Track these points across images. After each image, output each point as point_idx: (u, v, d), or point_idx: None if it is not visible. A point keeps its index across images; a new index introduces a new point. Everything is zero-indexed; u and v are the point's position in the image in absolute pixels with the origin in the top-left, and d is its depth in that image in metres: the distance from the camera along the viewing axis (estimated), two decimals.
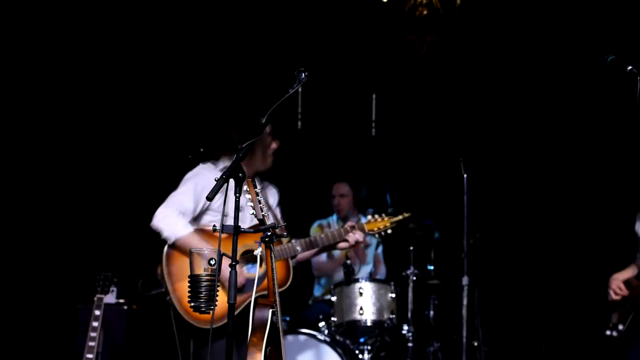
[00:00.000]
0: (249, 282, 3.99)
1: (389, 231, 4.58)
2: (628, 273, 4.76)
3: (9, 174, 6.67)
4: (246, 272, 4.07)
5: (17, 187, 6.70)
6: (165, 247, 4.28)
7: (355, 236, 4.38)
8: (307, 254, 4.42)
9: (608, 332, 4.64)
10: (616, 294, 4.63)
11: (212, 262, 3.12)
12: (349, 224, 4.49)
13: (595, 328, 4.82)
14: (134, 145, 6.86)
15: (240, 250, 3.93)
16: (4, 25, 6.68)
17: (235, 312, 3.39)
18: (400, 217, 4.65)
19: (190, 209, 4.25)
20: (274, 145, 4.29)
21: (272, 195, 4.54)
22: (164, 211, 4.28)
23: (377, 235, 4.61)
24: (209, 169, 4.34)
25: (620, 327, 4.60)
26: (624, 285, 4.64)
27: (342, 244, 4.42)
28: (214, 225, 3.12)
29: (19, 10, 6.76)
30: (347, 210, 6.44)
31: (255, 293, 3.30)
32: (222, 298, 3.20)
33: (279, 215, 4.47)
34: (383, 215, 4.61)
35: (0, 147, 6.66)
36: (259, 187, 3.16)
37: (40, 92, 6.80)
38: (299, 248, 4.23)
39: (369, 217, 4.60)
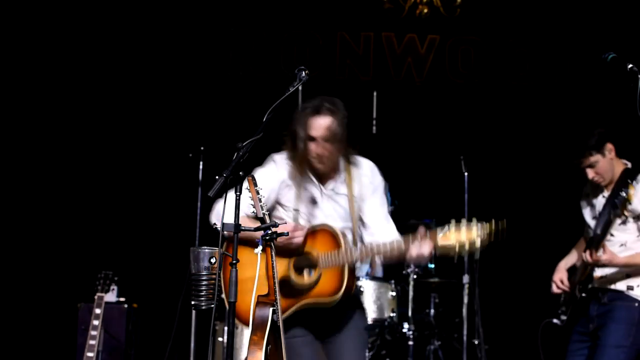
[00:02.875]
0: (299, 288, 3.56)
1: (477, 253, 3.52)
2: (573, 258, 4.68)
3: (10, 173, 6.67)
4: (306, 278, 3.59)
5: (18, 186, 6.71)
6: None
7: (422, 250, 3.46)
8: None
9: (555, 320, 4.60)
10: (558, 287, 4.57)
11: (213, 260, 3.12)
12: (421, 232, 3.49)
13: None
14: (133, 143, 6.86)
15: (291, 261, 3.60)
16: (4, 25, 6.68)
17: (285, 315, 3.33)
18: (489, 228, 3.44)
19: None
20: (311, 154, 3.64)
21: (359, 183, 3.79)
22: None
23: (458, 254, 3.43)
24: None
25: (563, 317, 4.56)
26: (567, 275, 4.56)
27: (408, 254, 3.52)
28: (214, 223, 3.11)
29: (19, 10, 6.75)
30: None
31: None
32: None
33: (370, 210, 3.77)
34: (464, 225, 3.44)
35: (0, 147, 6.66)
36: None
37: (41, 92, 6.80)
38: (357, 256, 3.55)
39: (446, 227, 3.48)
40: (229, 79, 7.16)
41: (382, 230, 3.72)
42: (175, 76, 7.00)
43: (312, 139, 3.58)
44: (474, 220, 3.39)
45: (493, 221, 3.42)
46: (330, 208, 3.71)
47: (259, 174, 3.66)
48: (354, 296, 3.71)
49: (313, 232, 3.58)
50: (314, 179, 3.69)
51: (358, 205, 3.74)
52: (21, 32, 6.77)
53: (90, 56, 6.89)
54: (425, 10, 7.41)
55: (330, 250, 3.51)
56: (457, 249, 3.41)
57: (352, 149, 3.75)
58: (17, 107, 6.75)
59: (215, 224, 3.53)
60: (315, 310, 3.53)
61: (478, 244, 3.39)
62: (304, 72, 3.35)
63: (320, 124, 3.57)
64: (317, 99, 3.64)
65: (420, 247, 3.44)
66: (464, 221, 3.40)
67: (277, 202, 3.69)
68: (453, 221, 3.41)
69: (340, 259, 3.50)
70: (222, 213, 3.26)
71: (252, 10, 7.19)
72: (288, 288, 3.44)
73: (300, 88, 3.37)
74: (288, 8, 7.21)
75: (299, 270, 3.51)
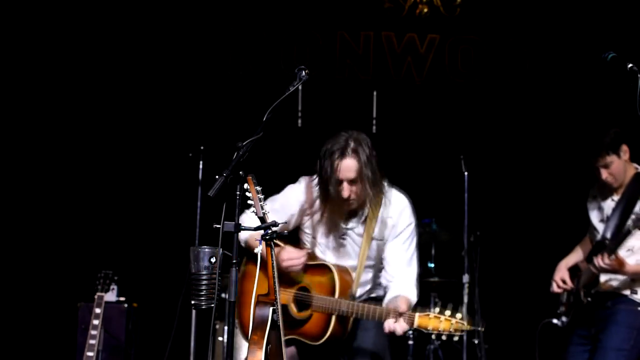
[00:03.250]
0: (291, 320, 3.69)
1: (456, 338, 3.51)
2: (575, 257, 4.67)
3: (10, 173, 6.67)
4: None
5: (18, 186, 6.70)
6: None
7: (394, 326, 3.55)
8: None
9: (555, 321, 4.58)
10: (559, 286, 4.55)
11: (213, 259, 3.12)
12: (401, 308, 3.60)
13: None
14: (133, 143, 6.86)
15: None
16: (3, 25, 6.67)
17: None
18: (467, 327, 3.51)
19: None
20: (341, 196, 3.69)
21: (382, 224, 3.85)
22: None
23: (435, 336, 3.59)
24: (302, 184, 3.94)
25: (564, 318, 4.54)
26: (569, 275, 4.55)
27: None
28: (214, 223, 3.11)
29: (19, 10, 6.75)
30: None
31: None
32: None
33: (390, 254, 3.84)
34: (447, 312, 3.51)
35: (0, 147, 6.66)
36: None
37: (41, 93, 6.80)
38: (344, 309, 3.64)
39: (428, 310, 3.57)
40: (229, 79, 7.15)
41: (399, 276, 3.78)
42: (175, 76, 7.00)
43: (341, 182, 3.65)
44: (460, 310, 3.50)
45: (471, 322, 3.52)
46: (346, 244, 3.80)
47: (288, 191, 3.87)
48: (346, 342, 3.77)
49: (317, 266, 3.70)
50: (336, 218, 3.79)
51: (378, 245, 3.79)
52: (21, 32, 6.77)
53: (90, 56, 6.88)
54: (425, 10, 7.40)
55: (325, 294, 3.64)
56: (432, 333, 3.51)
57: (383, 185, 3.82)
58: (17, 108, 6.74)
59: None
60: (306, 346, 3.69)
61: (456, 337, 3.49)
62: (304, 72, 3.35)
63: (348, 167, 3.63)
64: (343, 138, 3.69)
65: (396, 325, 3.53)
66: (446, 312, 3.49)
67: (298, 226, 3.86)
68: (438, 304, 3.67)
69: (329, 307, 3.62)
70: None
71: (252, 10, 7.18)
72: (284, 317, 3.44)
73: (300, 87, 3.37)
74: (288, 8, 7.20)
75: (298, 304, 3.67)
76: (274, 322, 3.05)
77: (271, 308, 3.05)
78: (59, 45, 6.82)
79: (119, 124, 6.87)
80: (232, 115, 6.76)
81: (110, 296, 5.36)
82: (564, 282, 4.53)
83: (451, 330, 3.45)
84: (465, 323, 3.47)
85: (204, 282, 3.11)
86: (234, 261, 2.95)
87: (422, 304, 6.41)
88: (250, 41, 7.24)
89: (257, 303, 3.08)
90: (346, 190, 3.64)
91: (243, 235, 3.68)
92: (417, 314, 3.51)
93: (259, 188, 3.10)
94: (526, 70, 7.29)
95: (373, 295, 3.96)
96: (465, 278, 5.86)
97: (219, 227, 3.00)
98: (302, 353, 3.79)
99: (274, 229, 3.08)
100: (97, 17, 6.91)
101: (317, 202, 3.78)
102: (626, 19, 6.87)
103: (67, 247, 6.62)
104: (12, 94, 6.73)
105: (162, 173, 6.66)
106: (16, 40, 6.75)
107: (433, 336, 3.66)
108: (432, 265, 6.46)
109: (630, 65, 3.36)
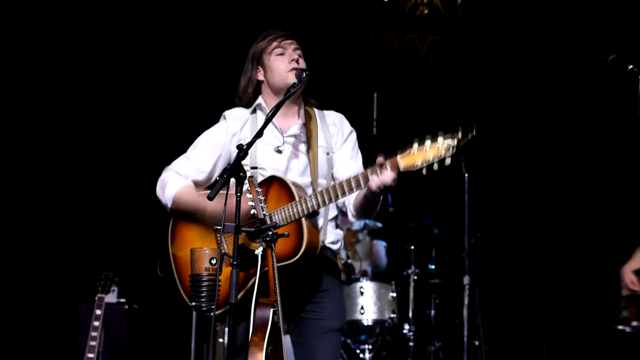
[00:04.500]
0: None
1: (448, 161, 3.06)
2: (637, 261, 4.64)
3: (10, 174, 6.67)
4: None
5: (18, 187, 6.70)
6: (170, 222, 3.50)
7: (382, 180, 3.08)
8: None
9: (620, 327, 4.55)
10: (629, 289, 4.53)
11: (214, 261, 3.12)
12: (379, 160, 3.13)
13: (603, 324, 4.72)
14: (134, 144, 6.86)
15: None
16: (4, 25, 6.68)
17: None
18: (456, 140, 3.08)
19: (205, 168, 3.46)
20: (286, 67, 3.41)
21: (326, 134, 3.46)
22: (160, 178, 3.51)
23: (425, 170, 3.12)
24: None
25: (635, 323, 4.51)
26: (637, 278, 4.53)
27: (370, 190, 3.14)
28: (215, 225, 3.10)
29: (19, 10, 6.75)
30: None
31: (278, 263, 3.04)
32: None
33: (341, 164, 3.42)
34: (428, 141, 3.09)
35: (0, 147, 6.66)
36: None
37: (42, 94, 6.80)
38: (312, 204, 3.14)
39: (409, 149, 3.14)
40: (229, 80, 7.15)
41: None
42: (176, 77, 7.00)
43: (280, 50, 3.47)
44: (440, 133, 3.05)
45: (460, 129, 3.08)
46: (293, 159, 3.37)
47: (207, 135, 3.51)
48: (325, 259, 3.36)
49: (264, 183, 3.26)
50: (275, 124, 3.38)
51: (327, 160, 3.41)
52: (21, 33, 6.77)
53: (91, 58, 6.89)
54: (426, 11, 7.41)
55: (283, 204, 3.18)
56: (423, 168, 3.09)
57: (312, 99, 3.52)
58: (18, 109, 6.74)
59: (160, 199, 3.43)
60: (282, 280, 3.10)
61: (448, 160, 3.05)
62: (304, 73, 3.35)
63: (282, 34, 3.49)
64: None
65: (382, 178, 3.08)
66: (427, 138, 3.07)
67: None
68: (416, 140, 3.10)
69: (294, 211, 3.14)
70: (166, 184, 3.37)
71: (252, 11, 7.18)
72: (245, 259, 3.11)
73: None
74: (288, 9, 7.21)
75: (254, 236, 3.10)
76: (275, 324, 3.04)
77: (271, 310, 3.05)
78: (61, 50, 6.83)
79: (121, 126, 6.88)
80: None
81: (111, 298, 5.36)
82: (633, 283, 4.50)
83: (441, 153, 3.04)
84: (452, 139, 3.06)
85: (205, 283, 3.11)
86: (234, 262, 2.94)
87: (423, 305, 6.47)
88: (251, 43, 7.24)
89: (257, 305, 3.08)
90: (293, 54, 3.42)
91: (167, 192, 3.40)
92: (398, 156, 3.12)
93: (259, 189, 3.10)
94: (527, 70, 7.29)
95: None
96: (466, 279, 5.87)
97: (219, 229, 3.00)
98: (286, 285, 3.19)
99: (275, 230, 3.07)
100: (99, 20, 6.91)
101: (243, 124, 3.39)
102: (627, 19, 6.87)
103: (68, 249, 6.62)
104: (14, 96, 6.73)
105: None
106: (17, 41, 6.75)
107: (424, 171, 3.05)
108: (433, 266, 6.46)
109: (630, 66, 3.36)
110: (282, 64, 3.44)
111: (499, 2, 7.34)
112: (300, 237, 3.14)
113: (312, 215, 3.21)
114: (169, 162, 3.58)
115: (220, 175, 3.01)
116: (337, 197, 3.13)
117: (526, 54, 7.28)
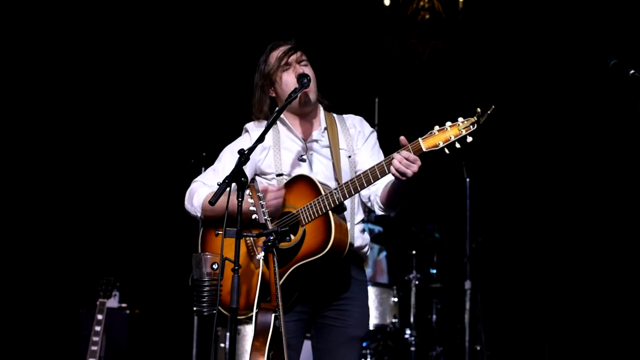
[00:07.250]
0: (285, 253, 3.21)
1: (469, 138, 3.14)
2: None
3: (12, 177, 6.68)
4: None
5: (20, 191, 6.71)
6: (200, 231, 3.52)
7: (404, 164, 3.09)
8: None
9: None
10: None
11: (215, 266, 3.12)
12: (402, 140, 3.16)
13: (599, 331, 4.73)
14: (136, 149, 6.87)
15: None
16: (4, 25, 6.69)
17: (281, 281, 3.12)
18: (475, 118, 3.21)
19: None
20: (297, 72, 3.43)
21: (346, 137, 3.52)
22: (188, 191, 3.56)
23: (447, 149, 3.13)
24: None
25: None
26: None
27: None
28: (217, 231, 3.10)
29: (19, 10, 6.76)
30: None
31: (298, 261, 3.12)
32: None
33: (363, 164, 3.41)
34: (448, 122, 3.19)
35: (2, 151, 6.67)
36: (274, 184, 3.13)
37: (44, 97, 6.81)
38: (338, 196, 3.15)
39: (430, 132, 3.20)
40: (232, 85, 7.17)
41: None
42: (178, 82, 7.01)
43: (287, 66, 3.46)
44: (459, 118, 3.16)
45: (479, 110, 3.19)
46: (316, 164, 3.42)
47: (231, 147, 3.56)
48: (354, 263, 3.38)
49: (288, 187, 3.28)
50: (295, 132, 3.46)
51: (349, 162, 3.45)
52: (22, 33, 6.79)
53: (94, 61, 6.90)
54: (427, 16, 7.42)
55: (309, 200, 3.20)
56: (445, 147, 3.14)
57: (327, 102, 3.57)
58: (20, 112, 6.76)
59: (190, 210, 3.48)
60: (310, 276, 3.18)
61: (469, 137, 3.15)
62: (305, 79, 3.36)
63: (286, 49, 3.48)
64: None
65: (405, 155, 3.10)
66: (447, 123, 3.17)
67: (258, 173, 3.43)
68: (436, 126, 3.17)
69: (321, 205, 3.16)
70: (194, 194, 3.43)
71: (253, 16, 7.20)
72: (279, 256, 3.11)
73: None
74: (290, 14, 7.22)
75: (282, 235, 3.14)
76: (277, 329, 3.05)
77: (273, 314, 3.05)
78: (63, 51, 6.84)
79: (122, 131, 6.89)
80: (234, 122, 6.76)
81: (113, 302, 5.37)
82: None
83: (462, 131, 3.13)
84: (472, 118, 3.17)
85: (206, 288, 3.11)
86: (236, 267, 2.95)
87: (425, 310, 6.47)
88: (254, 48, 7.24)
89: (260, 309, 3.08)
90: (299, 68, 3.42)
91: (195, 202, 3.45)
92: (419, 139, 3.13)
93: (260, 194, 3.10)
94: (528, 75, 7.30)
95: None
96: (468, 284, 5.87)
97: (221, 234, 3.00)
98: (313, 283, 3.28)
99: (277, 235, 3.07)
100: (100, 22, 6.93)
101: (266, 133, 3.29)
102: (628, 23, 6.87)
103: (70, 254, 6.63)
104: (14, 97, 6.75)
105: (164, 179, 6.67)
106: (17, 41, 6.76)
107: (446, 150, 3.09)
108: (435, 271, 6.46)
109: (632, 71, 3.37)
110: (290, 77, 3.46)
111: (500, 7, 7.35)
112: (328, 233, 3.15)
113: (339, 209, 3.21)
114: (172, 169, 3.60)
115: (222, 181, 3.02)
116: (362, 186, 3.16)
117: (528, 60, 7.29)
